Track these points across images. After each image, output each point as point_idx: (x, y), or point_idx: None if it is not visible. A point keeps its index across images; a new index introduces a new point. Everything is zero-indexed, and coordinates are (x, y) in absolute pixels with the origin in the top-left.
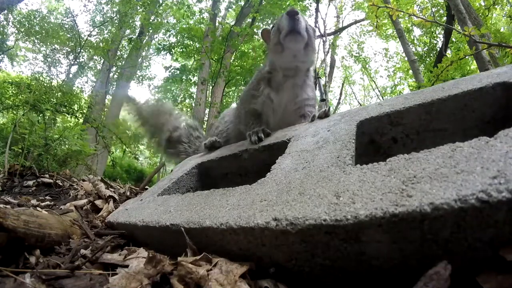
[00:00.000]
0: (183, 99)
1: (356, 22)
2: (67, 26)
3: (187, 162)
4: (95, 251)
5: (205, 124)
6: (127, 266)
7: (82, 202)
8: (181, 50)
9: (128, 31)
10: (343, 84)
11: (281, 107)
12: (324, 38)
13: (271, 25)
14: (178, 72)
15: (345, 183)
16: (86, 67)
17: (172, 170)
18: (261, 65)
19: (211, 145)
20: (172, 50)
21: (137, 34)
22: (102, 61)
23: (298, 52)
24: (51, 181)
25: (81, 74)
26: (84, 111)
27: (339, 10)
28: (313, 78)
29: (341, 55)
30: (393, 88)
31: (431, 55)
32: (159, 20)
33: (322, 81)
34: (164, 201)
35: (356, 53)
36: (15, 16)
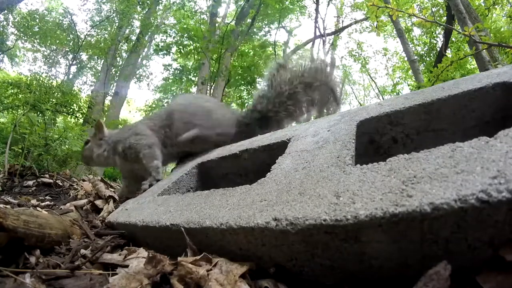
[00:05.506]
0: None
1: (356, 22)
2: (65, 26)
3: (187, 162)
4: (95, 251)
5: None
6: (127, 266)
7: (82, 202)
8: (179, 50)
9: (127, 31)
10: (343, 84)
11: None
12: (324, 38)
13: None
14: (178, 72)
15: (345, 183)
16: (85, 67)
17: (172, 170)
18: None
19: None
20: (171, 50)
21: (137, 35)
22: (101, 61)
23: None
24: (51, 181)
25: (80, 74)
26: (84, 111)
27: (339, 10)
28: None
29: (341, 55)
30: (393, 88)
31: (431, 55)
32: (158, 21)
33: None
34: (164, 201)
35: (355, 52)
36: (15, 16)
